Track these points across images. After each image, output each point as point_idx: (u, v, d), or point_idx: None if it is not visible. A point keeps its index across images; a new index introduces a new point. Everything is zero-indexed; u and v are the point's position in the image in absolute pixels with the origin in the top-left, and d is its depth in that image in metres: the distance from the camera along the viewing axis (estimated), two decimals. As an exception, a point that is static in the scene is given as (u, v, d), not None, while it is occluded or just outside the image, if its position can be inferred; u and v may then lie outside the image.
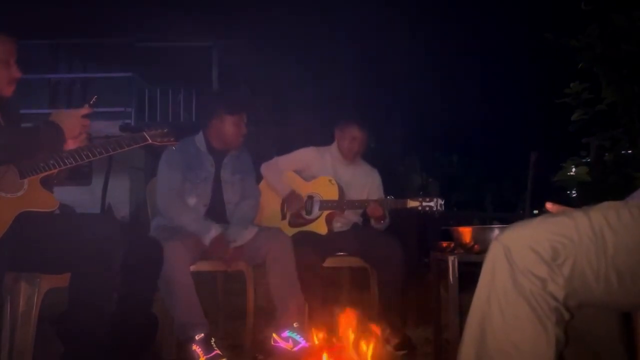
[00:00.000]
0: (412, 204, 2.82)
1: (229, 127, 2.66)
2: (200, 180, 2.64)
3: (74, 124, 1.88)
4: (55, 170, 1.85)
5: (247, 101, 3.49)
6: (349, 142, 3.03)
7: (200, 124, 2.81)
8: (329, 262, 2.85)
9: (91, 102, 1.96)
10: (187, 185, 2.61)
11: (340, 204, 2.91)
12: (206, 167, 2.68)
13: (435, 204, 2.80)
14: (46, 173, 1.83)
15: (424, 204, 2.80)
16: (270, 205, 3.01)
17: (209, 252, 2.52)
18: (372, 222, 2.95)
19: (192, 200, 2.61)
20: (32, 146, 1.82)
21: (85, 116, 1.92)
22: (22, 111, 2.07)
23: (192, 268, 2.44)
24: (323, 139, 3.11)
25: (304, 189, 3.00)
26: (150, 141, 2.06)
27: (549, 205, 1.18)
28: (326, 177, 2.98)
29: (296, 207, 2.94)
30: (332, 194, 2.93)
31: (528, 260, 0.98)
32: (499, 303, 1.00)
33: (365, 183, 3.06)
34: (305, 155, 3.10)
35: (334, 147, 3.09)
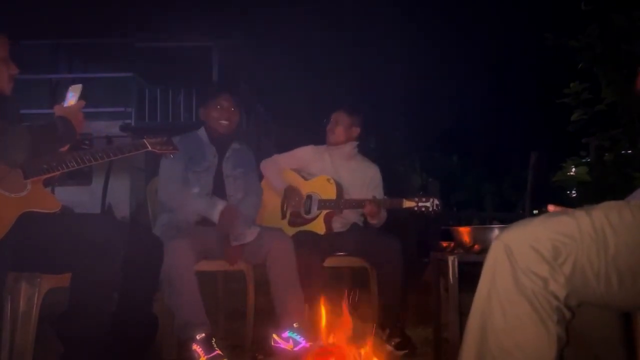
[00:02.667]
0: (408, 204, 2.82)
1: (214, 111, 2.72)
2: (203, 170, 2.66)
3: (78, 118, 1.95)
4: (59, 173, 1.87)
5: (228, 85, 3.55)
6: (332, 125, 3.03)
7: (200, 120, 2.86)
8: (329, 262, 2.84)
9: (81, 92, 2.02)
10: (190, 175, 2.63)
11: (338, 204, 2.90)
12: (208, 157, 2.70)
13: (431, 204, 2.79)
14: (49, 175, 1.85)
15: (420, 204, 2.79)
16: (271, 204, 3.01)
17: (218, 229, 2.52)
18: (369, 219, 2.95)
19: (194, 191, 2.62)
20: (53, 142, 1.88)
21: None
22: (22, 111, 2.08)
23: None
24: (322, 138, 3.11)
25: (303, 187, 3.00)
26: (150, 149, 2.13)
27: (551, 208, 1.18)
28: (324, 176, 2.98)
29: (295, 201, 2.94)
30: (330, 193, 2.93)
31: (529, 259, 0.98)
32: (500, 302, 0.99)
33: (365, 179, 3.05)
34: (304, 154, 3.10)
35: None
